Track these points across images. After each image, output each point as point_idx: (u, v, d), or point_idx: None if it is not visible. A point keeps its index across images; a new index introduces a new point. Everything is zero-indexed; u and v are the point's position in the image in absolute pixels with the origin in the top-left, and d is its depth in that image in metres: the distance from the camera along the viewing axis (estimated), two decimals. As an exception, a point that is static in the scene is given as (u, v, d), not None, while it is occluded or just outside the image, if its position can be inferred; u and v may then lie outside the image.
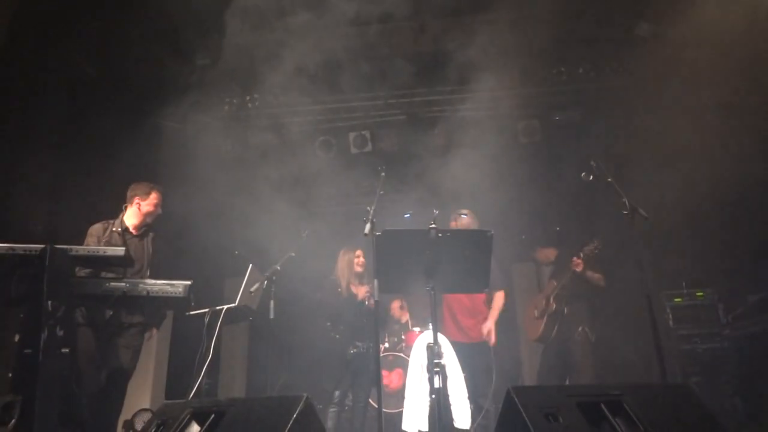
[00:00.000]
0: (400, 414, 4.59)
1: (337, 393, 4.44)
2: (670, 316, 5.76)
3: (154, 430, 2.18)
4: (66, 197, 5.31)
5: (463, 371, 4.20)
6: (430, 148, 6.76)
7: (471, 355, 4.33)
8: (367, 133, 6.85)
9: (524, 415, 1.80)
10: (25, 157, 5.03)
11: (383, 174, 3.53)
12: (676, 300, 5.82)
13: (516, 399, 1.88)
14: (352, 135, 6.85)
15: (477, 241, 2.72)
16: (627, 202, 3.19)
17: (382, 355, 6.42)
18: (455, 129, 6.64)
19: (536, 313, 5.19)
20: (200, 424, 2.13)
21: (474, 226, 4.65)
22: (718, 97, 5.21)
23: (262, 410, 2.05)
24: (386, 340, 6.64)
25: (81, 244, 3.84)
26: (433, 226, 2.70)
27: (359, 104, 6.71)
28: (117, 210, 4.13)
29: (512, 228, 8.27)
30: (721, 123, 5.12)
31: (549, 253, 5.50)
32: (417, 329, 6.48)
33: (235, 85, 6.50)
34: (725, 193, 5.29)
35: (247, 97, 6.55)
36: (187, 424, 2.13)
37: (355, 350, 4.50)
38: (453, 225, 4.64)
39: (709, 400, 5.37)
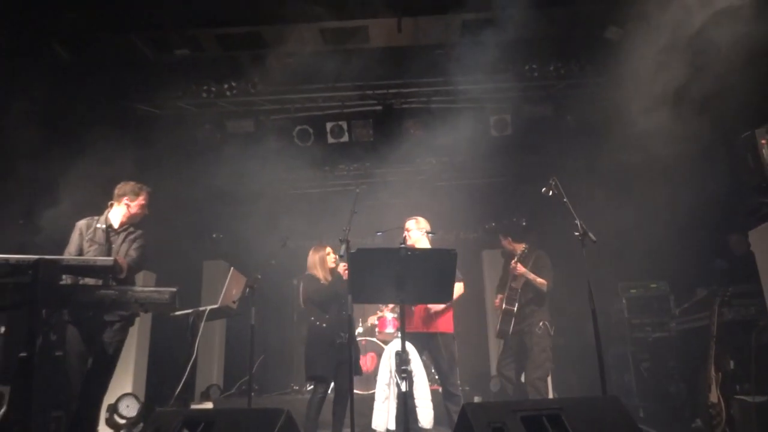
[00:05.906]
0: (372, 395, 4.87)
1: (328, 380, 4.49)
2: (626, 305, 6.21)
3: (148, 436, 2.43)
4: (42, 185, 5.39)
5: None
6: (404, 139, 6.98)
7: (429, 343, 4.39)
8: (344, 124, 7.01)
9: (474, 429, 2.10)
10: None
11: (358, 191, 3.70)
12: (632, 291, 6.25)
13: (468, 415, 2.18)
14: (329, 125, 6.99)
15: (442, 260, 2.98)
16: (579, 225, 3.43)
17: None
18: (430, 120, 6.87)
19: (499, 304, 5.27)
20: (191, 432, 2.38)
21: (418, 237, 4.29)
22: (680, 97, 5.48)
23: (248, 422, 2.32)
24: (360, 325, 6.94)
25: (61, 234, 3.98)
26: (404, 245, 2.93)
27: (336, 94, 6.84)
28: (89, 197, 4.22)
29: (481, 216, 8.64)
30: (683, 122, 5.40)
31: (517, 249, 5.35)
32: (391, 315, 6.75)
33: (213, 73, 6.56)
34: (683, 191, 5.63)
35: (225, 86, 6.61)
36: (179, 432, 2.38)
37: (340, 340, 4.53)
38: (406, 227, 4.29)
39: (656, 383, 5.89)
